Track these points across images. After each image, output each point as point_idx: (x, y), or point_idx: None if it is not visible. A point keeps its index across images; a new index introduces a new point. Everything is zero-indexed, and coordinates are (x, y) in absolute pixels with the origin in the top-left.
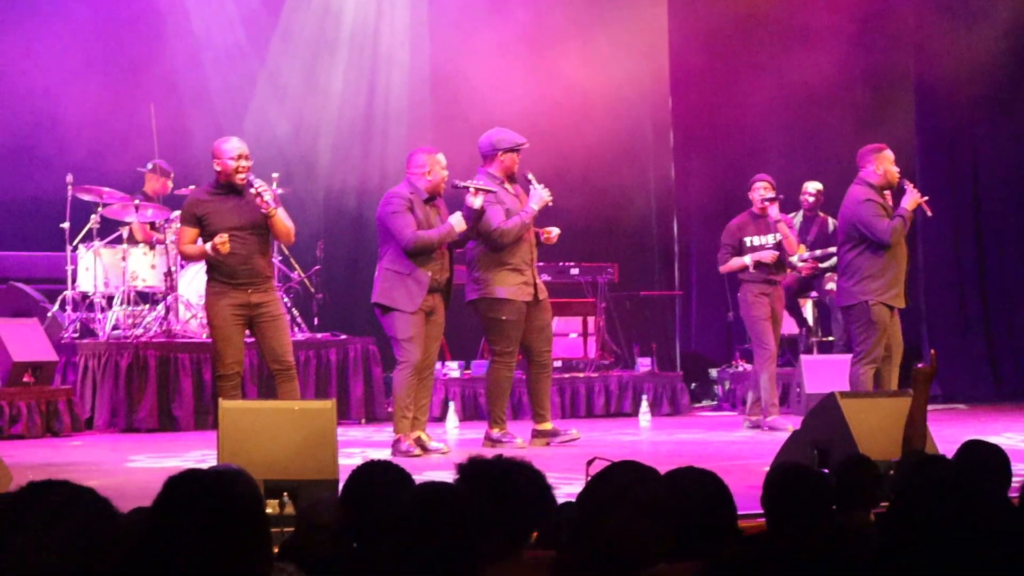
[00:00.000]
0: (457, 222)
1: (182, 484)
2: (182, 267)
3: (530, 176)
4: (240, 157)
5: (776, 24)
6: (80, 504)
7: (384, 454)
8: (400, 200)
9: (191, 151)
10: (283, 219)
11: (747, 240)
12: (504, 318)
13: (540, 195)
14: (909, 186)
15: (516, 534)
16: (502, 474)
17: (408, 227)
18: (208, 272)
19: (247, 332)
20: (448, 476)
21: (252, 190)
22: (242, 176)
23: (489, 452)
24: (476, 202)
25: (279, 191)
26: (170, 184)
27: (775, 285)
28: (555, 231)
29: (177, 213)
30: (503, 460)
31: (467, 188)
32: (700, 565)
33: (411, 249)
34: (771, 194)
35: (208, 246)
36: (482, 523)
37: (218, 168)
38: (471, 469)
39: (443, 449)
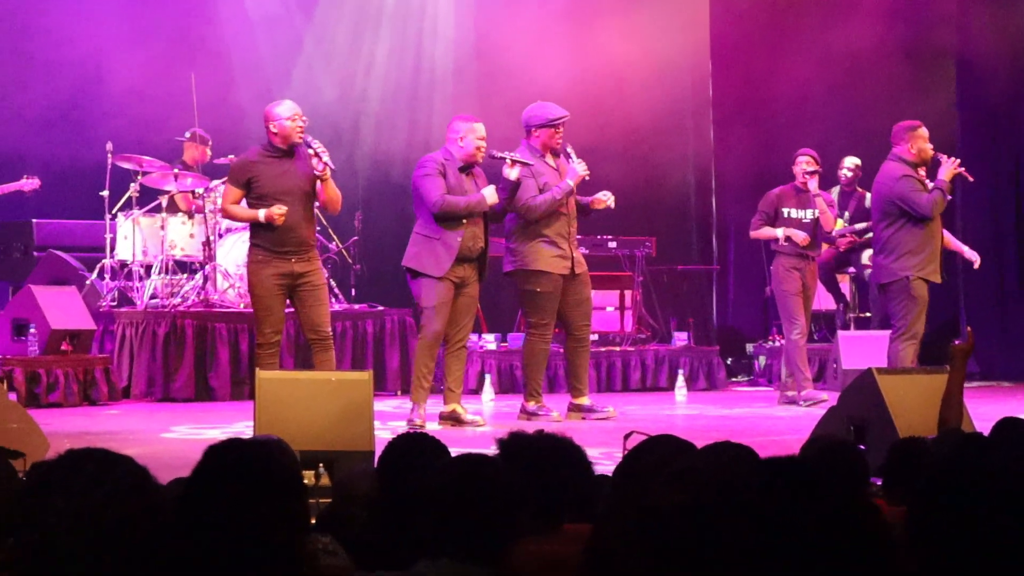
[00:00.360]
0: (490, 194)
1: (221, 454)
2: (220, 237)
3: (569, 150)
4: (296, 117)
5: None
6: (117, 472)
7: (428, 426)
8: (433, 164)
9: (231, 120)
10: (333, 185)
11: (785, 211)
12: (539, 290)
13: (575, 170)
14: (943, 157)
15: (555, 509)
16: (543, 449)
17: (436, 189)
18: (252, 240)
19: (286, 301)
20: (483, 449)
21: (310, 150)
22: (300, 136)
23: (526, 425)
24: (512, 174)
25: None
26: (208, 152)
27: (808, 260)
28: (607, 197)
29: (216, 182)
30: (544, 435)
31: (503, 159)
32: None
33: (437, 211)
34: (812, 168)
35: (263, 213)
36: (519, 496)
37: (274, 130)
38: (512, 443)
39: (478, 422)
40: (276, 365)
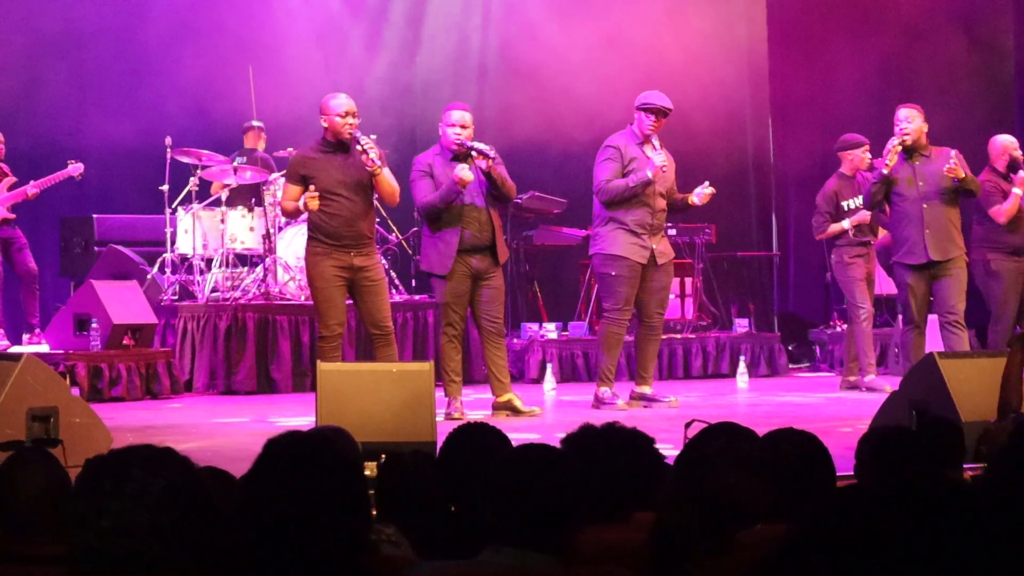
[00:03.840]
0: (462, 171)
1: (283, 445)
2: (280, 229)
3: (655, 141)
4: (347, 114)
5: None
6: (167, 472)
7: (481, 415)
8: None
9: (287, 113)
10: (388, 179)
11: (844, 204)
12: (614, 274)
13: (653, 161)
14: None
15: (624, 500)
16: (612, 440)
17: (419, 194)
18: (310, 232)
19: (347, 294)
20: (542, 438)
21: (358, 147)
22: (349, 133)
23: (592, 413)
24: (481, 165)
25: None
26: (262, 144)
27: (869, 246)
28: (705, 191)
29: (275, 175)
30: (614, 427)
31: (472, 149)
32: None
33: (422, 216)
34: (871, 158)
35: (300, 202)
36: (582, 485)
37: (325, 124)
38: (581, 435)
39: (535, 411)
40: (339, 357)
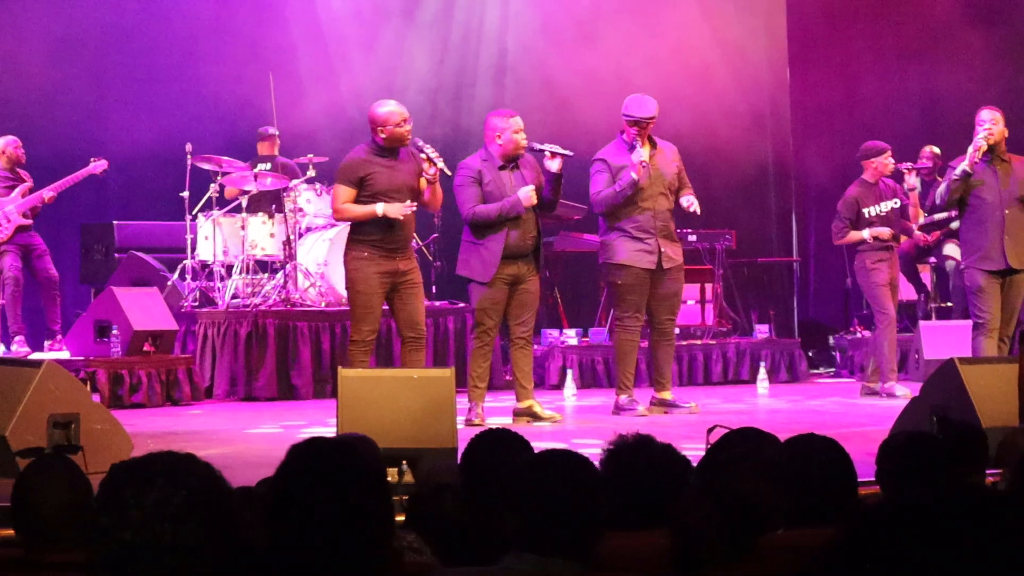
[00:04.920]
0: (525, 196)
1: (306, 452)
2: (300, 236)
3: (636, 142)
4: (404, 121)
5: None
6: (190, 480)
7: (502, 422)
8: (466, 172)
9: (306, 120)
10: (438, 188)
11: (865, 211)
12: (620, 282)
13: (632, 160)
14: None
15: (653, 510)
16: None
17: (468, 201)
18: (354, 236)
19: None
20: (562, 444)
21: (422, 155)
22: (409, 139)
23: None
24: (553, 165)
25: None
26: (276, 150)
27: (891, 251)
28: (690, 202)
29: (296, 182)
30: (644, 439)
31: (543, 152)
32: (820, 532)
33: (469, 224)
34: (894, 164)
35: (381, 207)
36: (605, 491)
37: (382, 135)
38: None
39: (556, 417)
40: (367, 363)
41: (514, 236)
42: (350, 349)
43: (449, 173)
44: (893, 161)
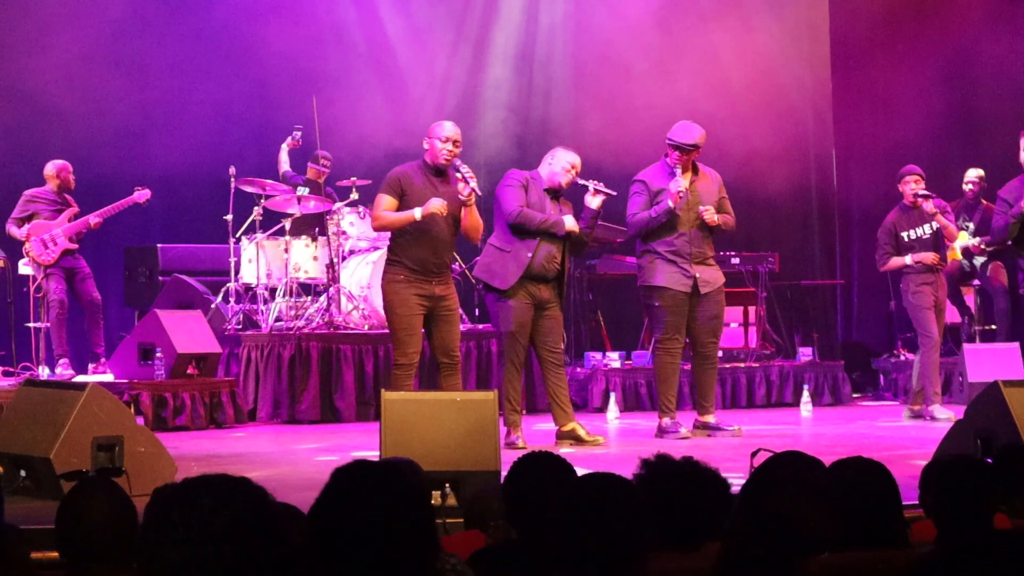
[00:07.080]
0: (569, 222)
1: (350, 474)
2: (344, 259)
3: (677, 170)
4: (448, 140)
5: (936, 7)
6: (236, 500)
7: (544, 445)
8: (517, 176)
9: (349, 144)
10: (475, 212)
11: (904, 235)
12: (657, 304)
13: (670, 188)
14: None
15: (694, 532)
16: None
17: (516, 200)
18: (392, 258)
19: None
20: (605, 467)
21: (458, 174)
22: (446, 159)
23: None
24: (593, 202)
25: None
26: (323, 178)
27: (937, 273)
28: (705, 208)
29: (339, 205)
30: (688, 462)
31: (586, 187)
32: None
33: (513, 220)
34: (923, 188)
35: (418, 212)
36: (648, 514)
37: (426, 147)
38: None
39: (599, 440)
40: (411, 386)
41: (542, 254)
42: (395, 373)
43: (480, 194)
44: (913, 189)
